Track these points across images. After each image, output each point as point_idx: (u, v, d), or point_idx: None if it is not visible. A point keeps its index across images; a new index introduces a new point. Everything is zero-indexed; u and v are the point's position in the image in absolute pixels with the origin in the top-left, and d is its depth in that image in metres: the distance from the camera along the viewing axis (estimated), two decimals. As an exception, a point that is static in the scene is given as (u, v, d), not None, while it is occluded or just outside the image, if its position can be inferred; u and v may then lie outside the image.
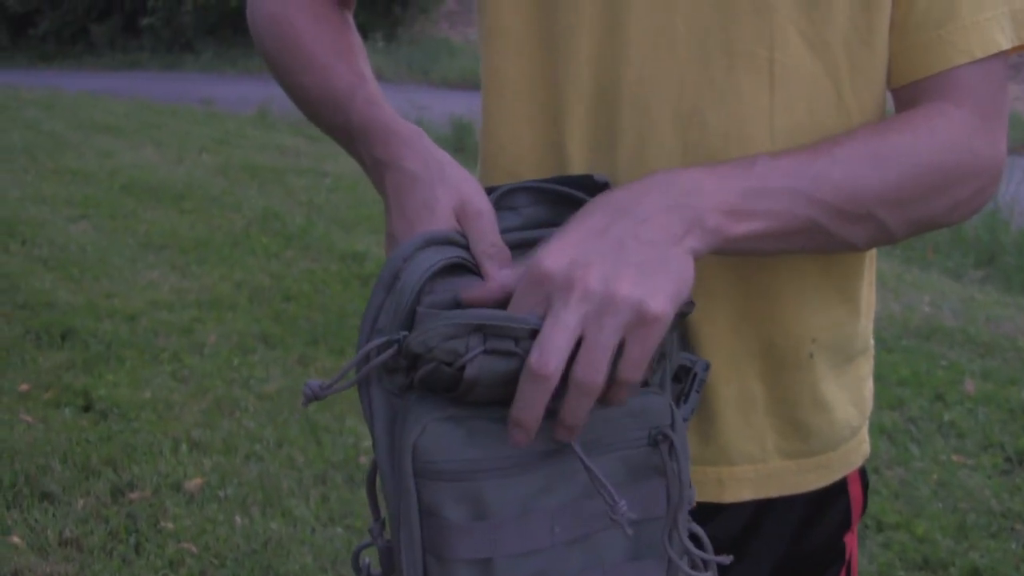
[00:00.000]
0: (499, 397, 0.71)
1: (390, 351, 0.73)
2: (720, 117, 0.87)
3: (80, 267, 5.31)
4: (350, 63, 0.96)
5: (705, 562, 0.80)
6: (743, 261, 0.89)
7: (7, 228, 6.03)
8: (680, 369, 0.82)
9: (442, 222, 0.80)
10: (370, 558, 0.84)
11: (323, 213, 6.65)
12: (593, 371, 0.69)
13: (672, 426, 0.78)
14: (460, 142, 8.79)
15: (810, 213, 0.80)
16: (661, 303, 0.70)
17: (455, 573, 0.74)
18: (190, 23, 21.18)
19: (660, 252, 0.73)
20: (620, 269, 0.71)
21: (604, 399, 0.72)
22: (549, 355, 0.68)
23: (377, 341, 0.73)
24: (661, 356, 0.79)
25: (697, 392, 0.82)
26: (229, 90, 14.28)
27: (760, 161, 0.81)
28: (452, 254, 0.77)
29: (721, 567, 0.81)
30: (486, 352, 0.70)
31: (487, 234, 0.80)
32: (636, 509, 0.75)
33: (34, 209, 6.64)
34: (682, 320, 0.79)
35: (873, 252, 0.98)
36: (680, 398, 0.83)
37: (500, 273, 0.77)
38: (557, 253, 0.72)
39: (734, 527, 0.96)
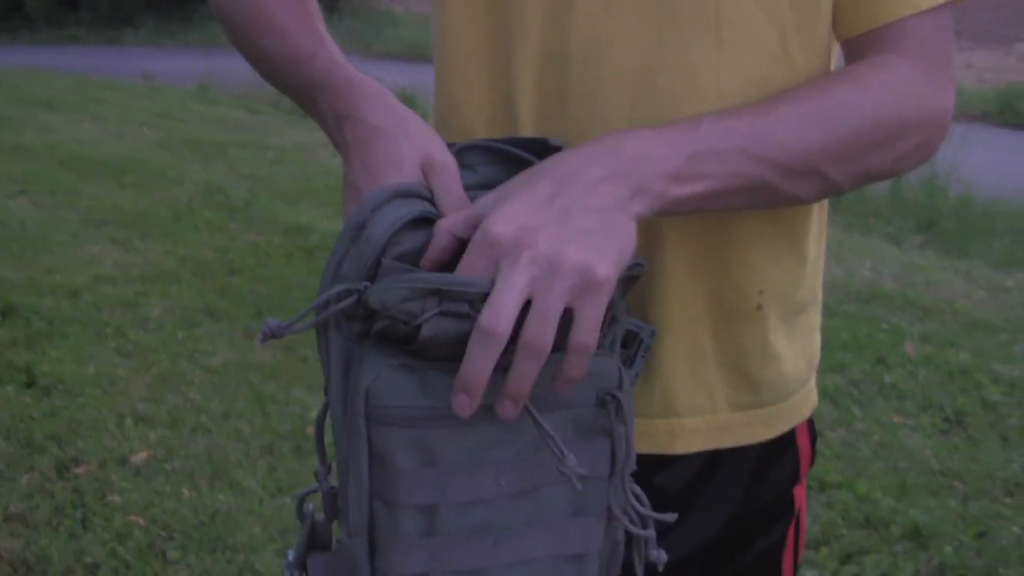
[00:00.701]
0: (454, 355, 0.72)
1: (350, 299, 0.73)
2: (668, 74, 0.87)
3: (20, 243, 5.23)
4: (309, 24, 0.96)
5: (645, 519, 0.81)
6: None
7: (-56, 205, 5.93)
8: (627, 335, 0.83)
9: (408, 176, 0.80)
10: (314, 504, 0.85)
11: (266, 186, 6.60)
12: (542, 333, 0.70)
13: (620, 387, 0.79)
14: (405, 114, 8.73)
15: (756, 172, 0.81)
16: (606, 267, 0.71)
17: (402, 518, 0.74)
18: (128, -4, 20.83)
19: (605, 218, 0.74)
20: (567, 235, 0.71)
21: (563, 375, 0.73)
22: (499, 315, 0.69)
23: (338, 289, 0.73)
24: (612, 320, 0.79)
25: (643, 357, 0.83)
26: (170, 64, 14.09)
27: (706, 121, 0.81)
28: (419, 208, 0.77)
29: (675, 521, 0.82)
30: (441, 314, 0.71)
31: (452, 189, 0.80)
32: (582, 467, 0.76)
33: (-29, 185, 6.54)
34: (633, 284, 0.80)
35: (824, 203, 0.99)
36: (626, 362, 0.83)
37: (447, 221, 0.77)
38: (506, 218, 0.72)
39: (685, 479, 0.98)
